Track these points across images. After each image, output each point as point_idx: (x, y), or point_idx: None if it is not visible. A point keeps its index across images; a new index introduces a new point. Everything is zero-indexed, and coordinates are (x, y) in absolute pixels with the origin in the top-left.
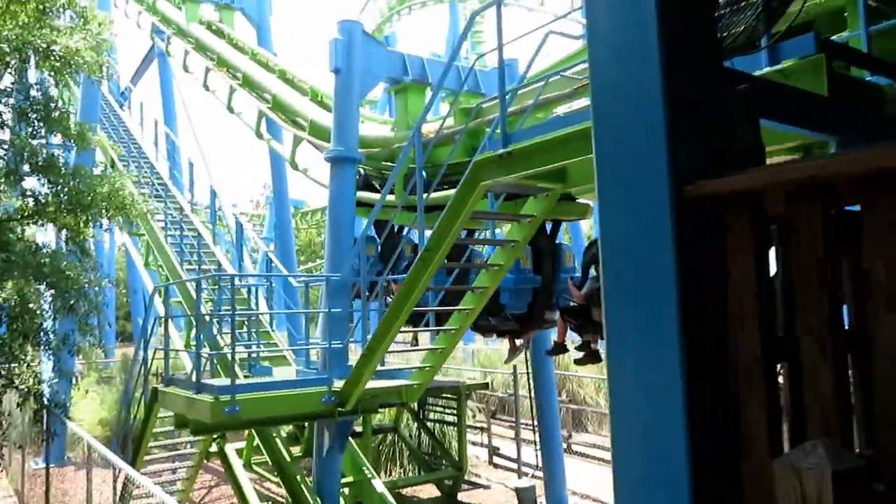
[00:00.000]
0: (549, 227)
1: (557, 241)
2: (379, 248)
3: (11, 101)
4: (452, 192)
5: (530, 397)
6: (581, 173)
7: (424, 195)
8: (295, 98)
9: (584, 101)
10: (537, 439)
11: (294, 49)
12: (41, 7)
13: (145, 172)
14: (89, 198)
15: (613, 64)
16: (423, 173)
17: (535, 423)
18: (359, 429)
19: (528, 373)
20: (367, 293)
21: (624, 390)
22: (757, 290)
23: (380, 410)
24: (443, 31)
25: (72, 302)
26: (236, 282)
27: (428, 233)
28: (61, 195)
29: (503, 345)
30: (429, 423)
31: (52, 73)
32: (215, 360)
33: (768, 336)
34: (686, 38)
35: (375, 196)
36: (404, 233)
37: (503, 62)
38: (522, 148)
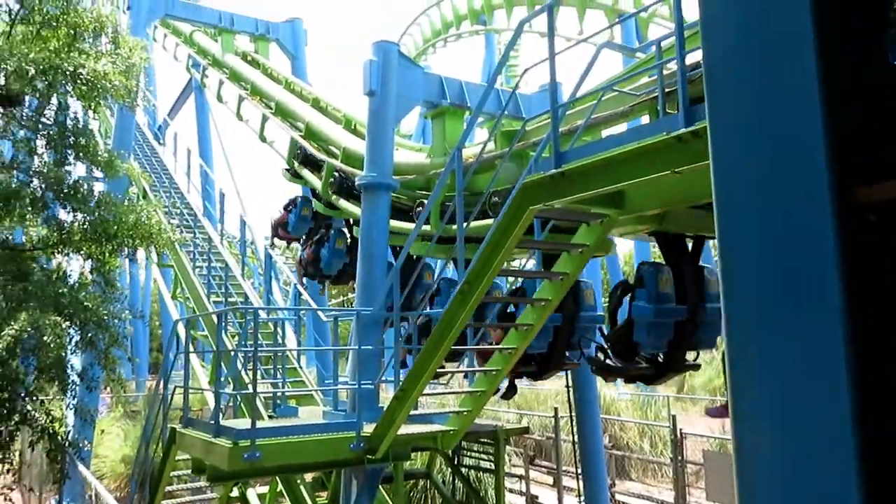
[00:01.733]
0: (689, 245)
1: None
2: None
3: (40, 126)
4: (492, 221)
5: (573, 441)
6: (641, 197)
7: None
8: (328, 126)
9: (643, 119)
10: (580, 487)
11: (329, 81)
12: (72, 32)
13: (175, 202)
14: (115, 227)
15: (740, 43)
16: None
17: (579, 469)
18: (389, 471)
19: (570, 415)
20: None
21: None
22: None
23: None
24: (477, 65)
25: (90, 335)
26: (263, 315)
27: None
28: (86, 224)
29: (542, 383)
30: (463, 469)
31: (81, 98)
32: (239, 399)
33: None
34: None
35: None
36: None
37: (555, 73)
38: (577, 168)
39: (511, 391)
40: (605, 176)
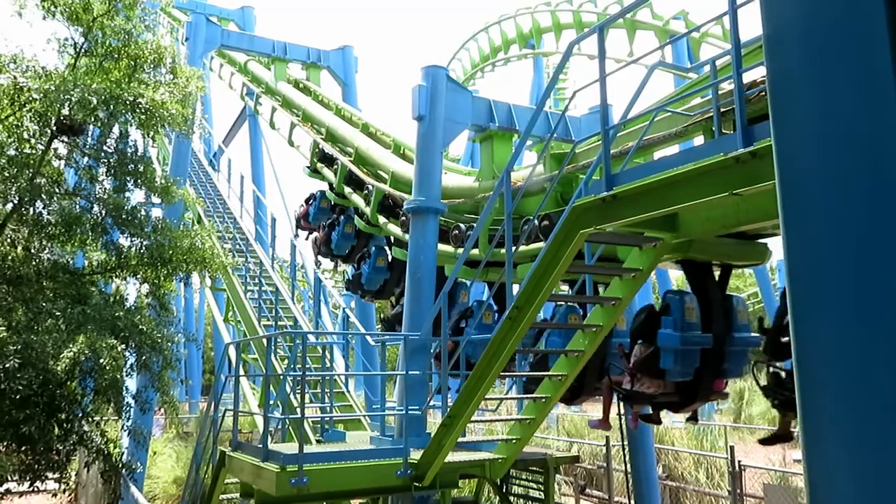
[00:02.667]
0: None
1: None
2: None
3: (101, 154)
4: (540, 245)
5: (625, 471)
6: (696, 220)
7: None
8: (377, 151)
9: (695, 141)
10: None
11: (379, 106)
12: (132, 63)
13: (229, 227)
14: (170, 252)
15: (808, 57)
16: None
17: (631, 500)
18: (436, 498)
19: (623, 444)
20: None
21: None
22: None
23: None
24: (525, 88)
25: (144, 357)
26: (311, 339)
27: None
28: (143, 248)
29: (591, 410)
30: (512, 498)
31: (140, 127)
32: (287, 422)
33: None
34: None
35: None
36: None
37: (605, 94)
38: (629, 190)
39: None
40: (659, 198)
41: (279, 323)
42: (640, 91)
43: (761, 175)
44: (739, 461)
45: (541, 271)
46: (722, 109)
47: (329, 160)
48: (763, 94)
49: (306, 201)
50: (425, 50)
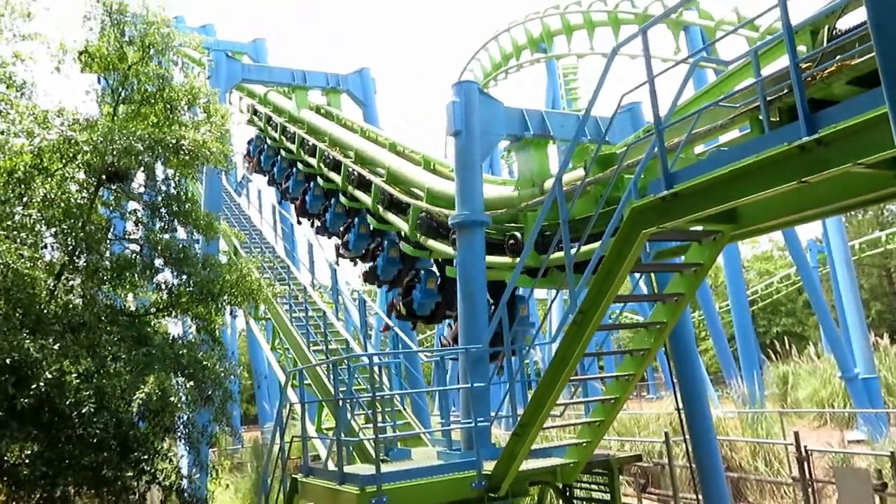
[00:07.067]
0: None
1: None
2: None
3: (145, 197)
4: (591, 246)
5: (690, 467)
6: (756, 210)
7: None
8: (409, 168)
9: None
10: None
11: (396, 124)
12: (168, 106)
13: (267, 256)
14: (218, 286)
15: None
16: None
17: (699, 496)
18: None
19: (684, 438)
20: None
21: None
22: None
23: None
24: (539, 94)
25: (209, 392)
26: (364, 360)
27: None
28: (192, 286)
29: (645, 408)
30: (576, 502)
31: (181, 167)
32: (350, 446)
33: None
34: None
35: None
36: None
37: (655, 95)
38: (691, 187)
39: None
40: (722, 193)
41: (330, 347)
42: (685, 85)
43: (829, 162)
44: (805, 446)
45: (604, 274)
46: (768, 98)
47: (366, 184)
48: (812, 78)
49: (248, 143)
50: (436, 64)
